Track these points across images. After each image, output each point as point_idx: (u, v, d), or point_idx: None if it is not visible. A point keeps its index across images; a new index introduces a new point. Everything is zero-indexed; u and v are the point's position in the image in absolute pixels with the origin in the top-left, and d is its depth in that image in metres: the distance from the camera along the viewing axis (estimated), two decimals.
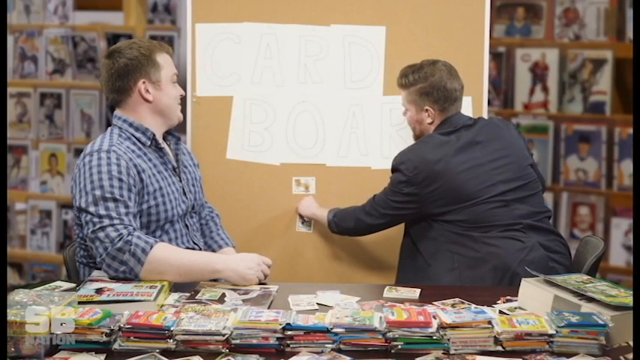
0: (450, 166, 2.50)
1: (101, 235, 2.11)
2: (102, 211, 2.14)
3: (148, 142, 2.32)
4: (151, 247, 2.10)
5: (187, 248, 2.36)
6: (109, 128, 2.36)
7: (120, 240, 2.10)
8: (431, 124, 2.65)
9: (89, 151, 2.25)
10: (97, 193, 2.16)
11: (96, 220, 2.13)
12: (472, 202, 2.48)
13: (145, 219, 2.27)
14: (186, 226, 2.41)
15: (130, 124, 2.32)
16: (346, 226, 2.77)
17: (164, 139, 2.44)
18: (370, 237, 3.02)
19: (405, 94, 2.68)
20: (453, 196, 2.49)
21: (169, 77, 2.36)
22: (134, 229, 2.14)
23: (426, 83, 2.62)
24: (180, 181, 2.40)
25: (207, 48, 3.00)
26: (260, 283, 2.21)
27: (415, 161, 2.54)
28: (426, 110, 2.63)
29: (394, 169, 2.61)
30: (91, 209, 2.15)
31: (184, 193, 2.40)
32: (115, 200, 2.15)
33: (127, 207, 2.17)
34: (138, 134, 2.31)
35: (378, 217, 2.66)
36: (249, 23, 3.01)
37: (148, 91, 2.32)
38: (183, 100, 2.46)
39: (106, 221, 2.13)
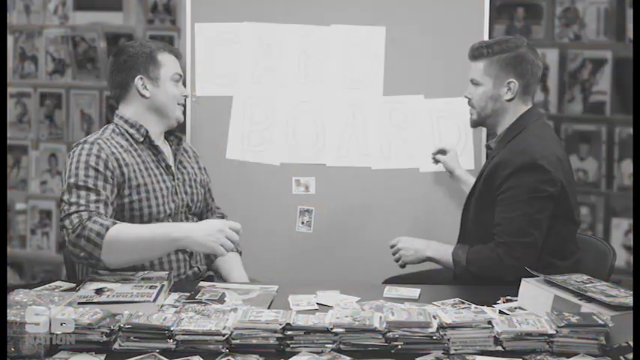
0: (569, 164, 2.34)
1: (67, 222, 2.13)
2: (72, 199, 2.16)
3: (141, 139, 2.35)
4: (107, 229, 2.09)
5: (177, 249, 2.35)
6: (107, 124, 2.41)
7: (79, 226, 2.10)
8: (510, 100, 2.40)
9: (76, 143, 2.30)
10: (72, 181, 2.19)
11: (65, 207, 2.16)
12: (572, 214, 2.31)
13: (128, 214, 2.28)
14: None
15: (126, 121, 2.36)
16: (496, 274, 2.26)
17: (167, 139, 2.46)
18: (370, 237, 3.02)
19: (484, 64, 2.41)
20: (566, 199, 2.29)
21: (169, 76, 2.38)
22: (98, 214, 2.14)
23: (513, 53, 2.38)
24: (174, 180, 2.40)
25: (206, 47, 3.00)
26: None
27: (552, 155, 2.26)
28: (509, 84, 2.38)
29: (529, 167, 2.24)
30: (65, 197, 2.18)
31: (176, 193, 2.40)
32: (87, 189, 2.17)
33: (97, 194, 2.18)
34: (132, 130, 2.35)
35: (534, 247, 2.24)
36: (248, 23, 3.01)
37: (145, 87, 2.35)
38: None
39: (73, 208, 2.14)
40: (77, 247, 2.10)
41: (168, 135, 2.47)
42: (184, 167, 2.48)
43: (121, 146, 2.30)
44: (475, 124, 2.52)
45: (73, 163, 2.22)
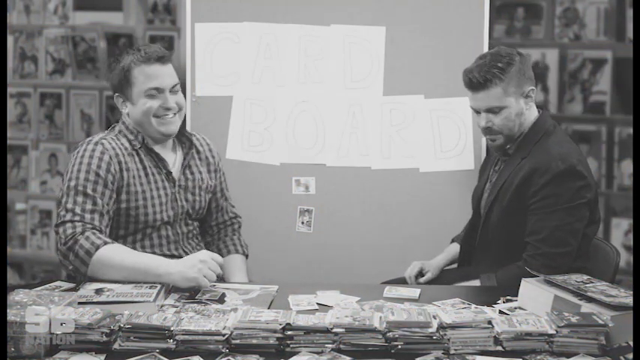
0: None
1: (60, 230, 2.14)
2: (69, 205, 2.16)
3: (138, 146, 2.34)
4: (97, 248, 2.09)
5: (173, 256, 2.31)
6: (115, 123, 2.41)
7: (71, 239, 2.11)
8: (530, 108, 2.33)
9: (82, 141, 2.30)
10: (72, 183, 2.18)
11: (62, 213, 2.16)
12: (595, 216, 2.30)
13: (124, 219, 2.28)
14: (178, 233, 2.39)
15: (127, 127, 2.35)
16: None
17: (180, 142, 2.43)
18: (370, 237, 3.02)
19: (500, 88, 2.26)
20: (597, 204, 2.29)
21: (141, 92, 2.29)
22: (92, 227, 2.14)
23: (517, 61, 2.28)
24: (174, 187, 2.39)
25: (206, 47, 3.00)
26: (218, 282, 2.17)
27: (585, 161, 2.25)
28: (528, 92, 2.29)
29: (569, 173, 2.20)
30: (63, 200, 2.18)
31: (176, 200, 2.38)
32: (85, 195, 2.17)
33: (94, 204, 2.17)
34: (131, 137, 2.34)
35: (571, 256, 2.21)
36: (248, 23, 3.01)
37: (125, 104, 2.34)
38: None
39: (68, 216, 2.14)
40: (66, 259, 2.11)
41: (181, 137, 2.44)
42: (192, 173, 2.45)
43: (125, 149, 2.30)
44: (501, 147, 2.37)
45: (76, 164, 2.21)
